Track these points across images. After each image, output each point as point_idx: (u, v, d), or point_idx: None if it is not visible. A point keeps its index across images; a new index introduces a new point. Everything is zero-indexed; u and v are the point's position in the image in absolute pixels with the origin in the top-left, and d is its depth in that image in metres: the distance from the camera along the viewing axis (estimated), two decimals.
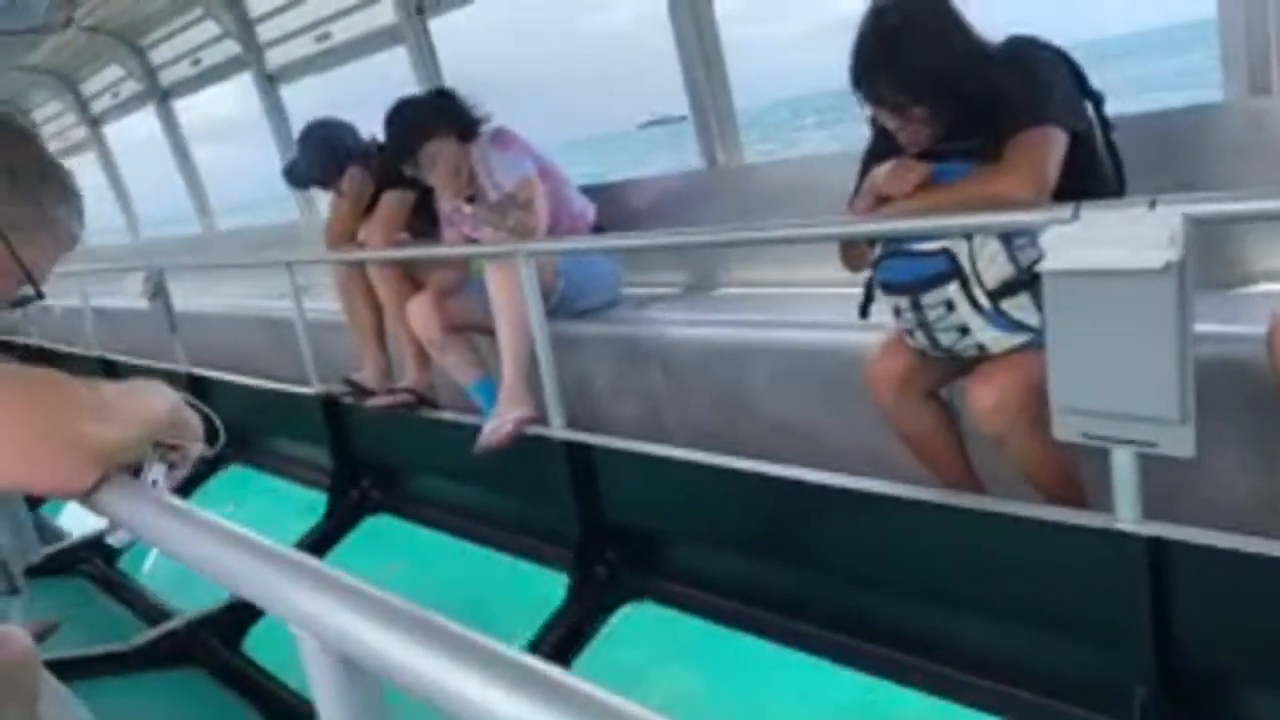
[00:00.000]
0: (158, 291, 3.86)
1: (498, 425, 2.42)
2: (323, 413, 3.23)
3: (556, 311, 2.67)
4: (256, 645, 2.89)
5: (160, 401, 0.91)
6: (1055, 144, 1.53)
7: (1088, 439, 1.46)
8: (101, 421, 0.80)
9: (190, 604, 3.09)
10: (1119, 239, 1.36)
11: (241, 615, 2.95)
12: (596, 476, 2.42)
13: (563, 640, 2.33)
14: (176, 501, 0.75)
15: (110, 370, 4.78)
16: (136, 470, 1.00)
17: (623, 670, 2.32)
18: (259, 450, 3.92)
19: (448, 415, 2.82)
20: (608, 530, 2.44)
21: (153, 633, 2.91)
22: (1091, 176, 1.64)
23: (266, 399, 3.56)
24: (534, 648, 2.33)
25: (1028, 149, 1.52)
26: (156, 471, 1.00)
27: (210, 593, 3.06)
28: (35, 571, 3.57)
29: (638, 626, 2.38)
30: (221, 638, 2.89)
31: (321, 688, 0.57)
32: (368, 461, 3.26)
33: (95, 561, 3.68)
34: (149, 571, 3.63)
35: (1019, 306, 1.58)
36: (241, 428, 3.98)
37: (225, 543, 0.62)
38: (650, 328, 2.64)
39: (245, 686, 2.70)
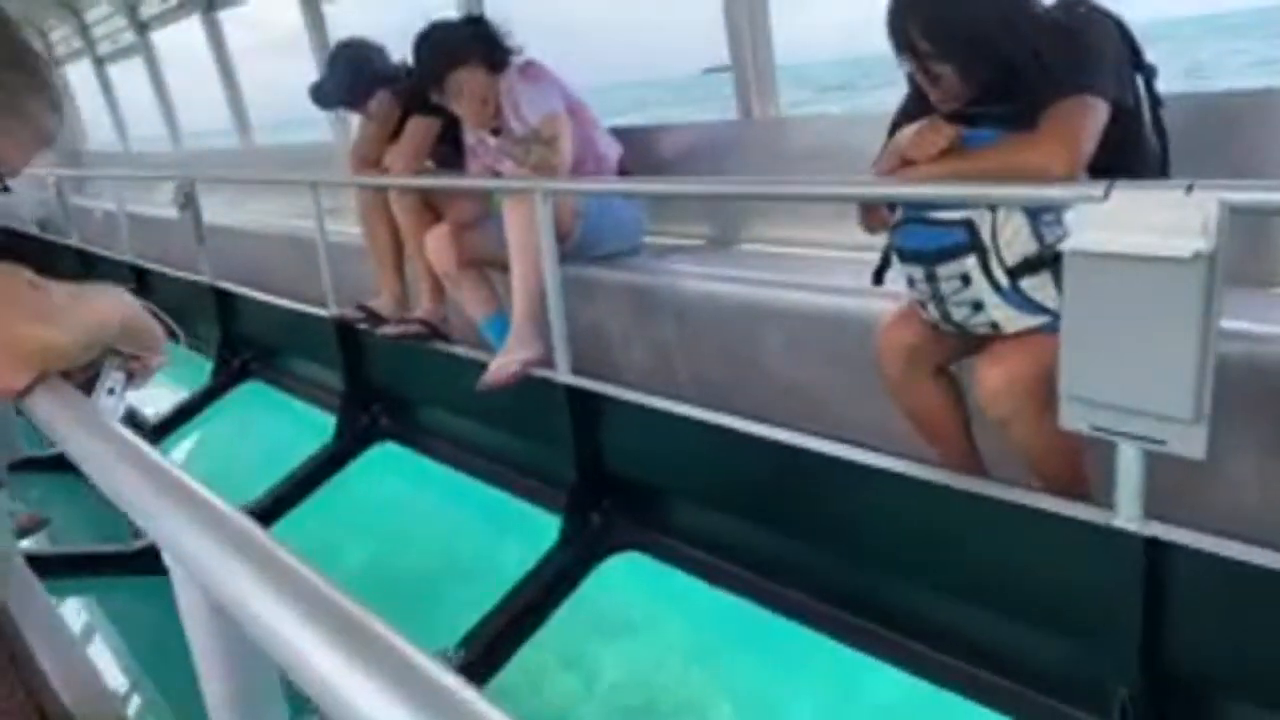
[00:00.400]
0: (187, 202, 3.87)
1: (503, 364, 2.40)
2: (337, 336, 3.23)
3: (574, 254, 2.62)
4: None
5: (113, 308, 0.88)
6: (1095, 115, 1.43)
7: (1095, 431, 1.40)
8: (41, 323, 0.77)
9: None
10: (1150, 223, 1.28)
11: None
12: (598, 424, 2.39)
13: (550, 583, 2.33)
14: (98, 416, 0.72)
15: (140, 278, 4.83)
16: (94, 377, 0.98)
17: (606, 617, 2.32)
18: (276, 368, 3.95)
19: (458, 350, 2.80)
20: (605, 478, 2.42)
21: (138, 541, 2.96)
22: (1133, 155, 1.55)
23: (285, 318, 3.57)
24: (521, 588, 2.34)
25: (1065, 119, 1.43)
26: (114, 380, 0.98)
27: (226, 500, 3.11)
28: (33, 466, 3.66)
29: (626, 576, 2.37)
30: None
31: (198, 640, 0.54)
32: (379, 388, 3.26)
33: None
34: None
35: (1038, 286, 1.50)
36: (260, 344, 4.02)
37: (123, 461, 0.59)
38: (668, 279, 2.59)
39: None
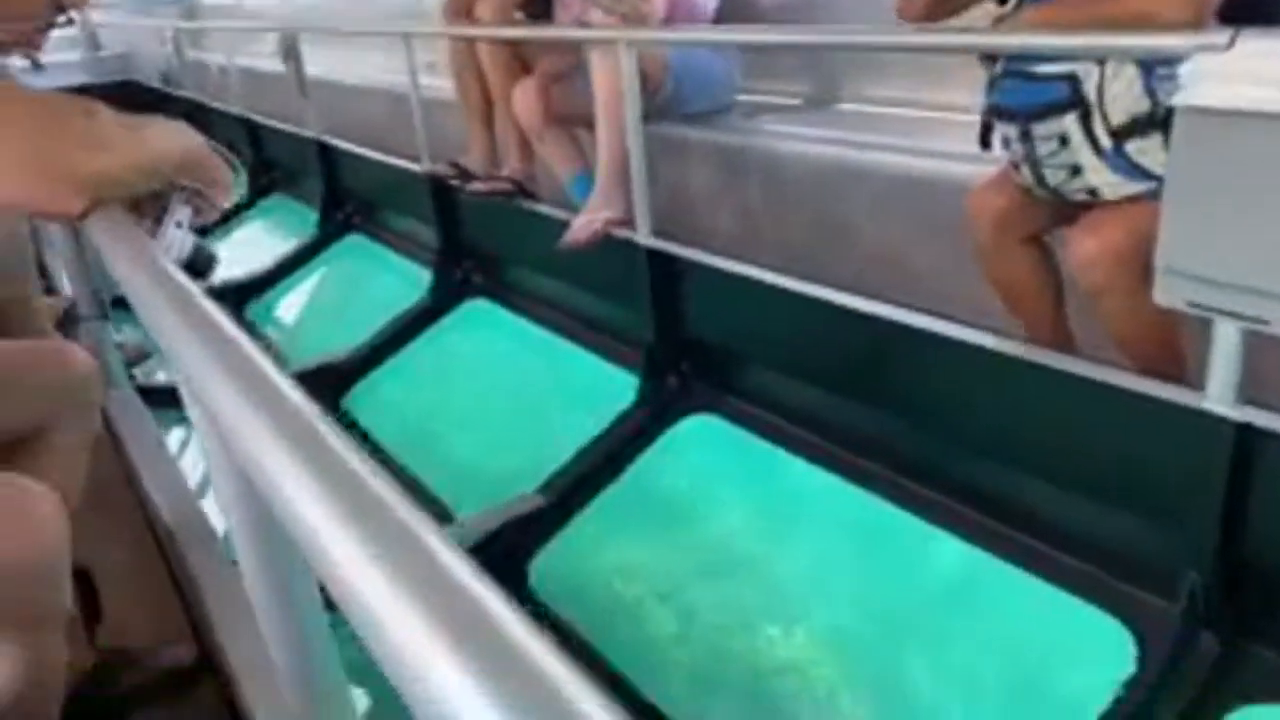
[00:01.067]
0: (289, 54, 3.90)
1: (585, 223, 2.39)
2: (431, 192, 3.26)
3: (663, 111, 2.54)
4: (355, 403, 3.10)
5: (172, 141, 0.90)
6: None
7: (1191, 308, 1.30)
8: (92, 151, 0.80)
9: (303, 357, 3.32)
10: (1277, 77, 1.15)
11: (343, 373, 3.16)
12: (678, 287, 2.37)
13: (624, 441, 2.39)
14: (145, 247, 0.74)
15: (251, 130, 4.96)
16: (164, 210, 1.02)
17: (678, 475, 2.36)
18: (377, 222, 4.04)
19: (545, 208, 2.79)
20: (683, 341, 2.43)
21: None
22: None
23: (384, 173, 3.63)
24: (598, 442, 2.40)
25: None
26: (180, 214, 1.02)
27: (325, 348, 3.28)
28: None
29: (701, 438, 2.40)
30: (322, 392, 3.10)
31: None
32: (472, 245, 3.31)
33: (226, 308, 3.96)
34: (273, 323, 3.89)
35: (1146, 150, 1.38)
36: (363, 198, 4.11)
37: (159, 296, 0.61)
38: (757, 139, 2.49)
39: None
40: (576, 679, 0.24)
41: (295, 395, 0.44)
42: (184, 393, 0.50)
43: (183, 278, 0.65)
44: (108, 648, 1.33)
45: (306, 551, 0.35)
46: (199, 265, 1.06)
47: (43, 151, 0.77)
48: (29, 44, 1.06)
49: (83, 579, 1.57)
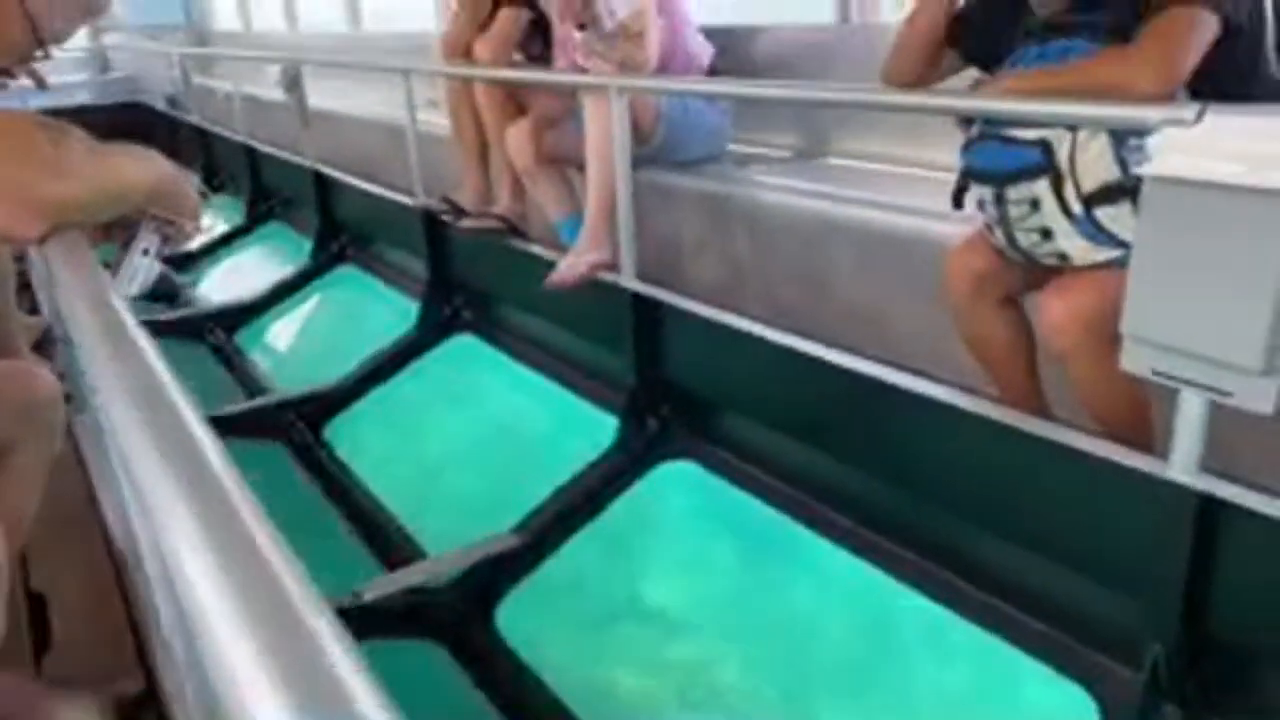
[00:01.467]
0: (293, 85, 3.95)
1: (572, 265, 2.40)
2: (424, 226, 3.29)
3: (655, 157, 2.57)
4: (336, 432, 3.09)
5: (140, 169, 0.91)
6: (1199, 30, 1.29)
7: (1155, 376, 1.31)
8: (56, 178, 0.81)
9: (290, 385, 3.32)
10: (1243, 152, 1.17)
11: (328, 401, 3.16)
12: (660, 332, 2.38)
13: (603, 481, 2.38)
14: (95, 271, 0.75)
15: (251, 157, 5.00)
16: (131, 235, 1.03)
17: (654, 520, 2.35)
18: (368, 253, 4.07)
19: (535, 247, 2.81)
20: (664, 386, 2.43)
21: (245, 404, 3.15)
22: (1249, 82, 1.40)
23: (377, 205, 3.66)
24: (576, 483, 2.39)
25: (1165, 32, 1.29)
26: (148, 241, 1.02)
27: (313, 377, 3.28)
28: (165, 330, 3.91)
29: (677, 483, 2.39)
30: (306, 419, 3.10)
31: None
32: (462, 280, 3.32)
33: (217, 331, 3.98)
34: (262, 350, 3.89)
35: (1115, 217, 1.39)
36: (356, 229, 4.13)
37: (97, 327, 0.61)
38: (745, 189, 2.51)
39: (318, 469, 2.90)
40: None
41: (208, 445, 0.45)
42: (103, 421, 0.50)
43: (124, 311, 0.65)
44: (54, 677, 1.32)
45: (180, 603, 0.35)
46: (162, 293, 1.07)
47: (3, 175, 0.78)
48: (11, 75, 1.08)
49: (37, 605, 1.55)
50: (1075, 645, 1.57)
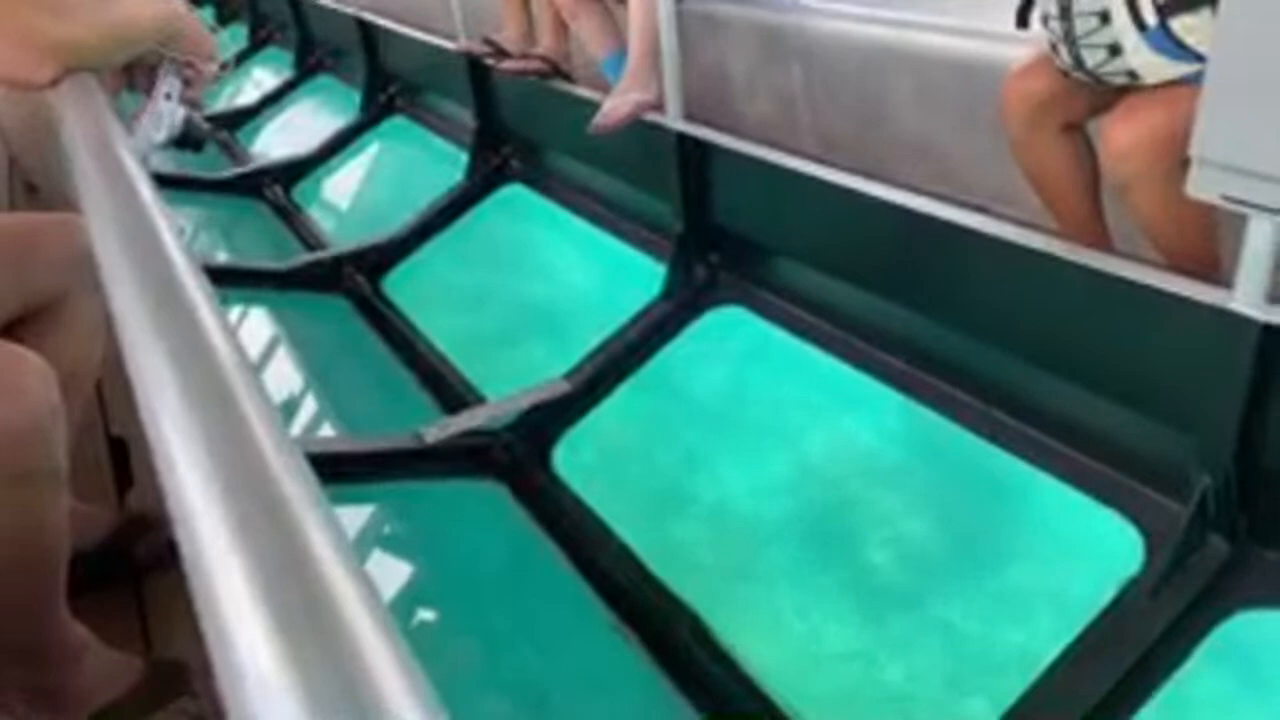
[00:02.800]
0: None
1: (616, 105, 2.33)
2: (469, 72, 3.20)
3: None
4: (394, 284, 3.14)
5: (148, 8, 0.89)
6: None
7: (1225, 201, 1.23)
8: (58, 17, 0.79)
9: (347, 238, 3.37)
10: None
11: (384, 254, 3.20)
12: (708, 174, 2.32)
13: (650, 329, 2.39)
14: (106, 118, 0.74)
15: (296, 7, 4.89)
16: (153, 80, 1.02)
17: (702, 366, 2.37)
18: (416, 103, 4.01)
19: (579, 89, 2.73)
20: (713, 231, 2.38)
21: (306, 258, 3.21)
22: None
23: (422, 51, 3.57)
24: (625, 330, 2.41)
25: None
26: (170, 85, 1.01)
27: (368, 229, 3.32)
28: (223, 188, 3.97)
29: (727, 329, 2.39)
30: (365, 273, 3.15)
31: None
32: (509, 128, 3.26)
33: (274, 188, 4.02)
34: (319, 204, 3.93)
35: (1194, 28, 1.28)
36: (404, 78, 4.06)
37: (103, 175, 0.61)
38: (797, 17, 2.37)
39: (379, 320, 2.97)
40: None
41: (202, 301, 0.44)
42: (104, 276, 0.50)
43: (131, 162, 0.65)
44: (135, 512, 1.42)
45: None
46: (191, 139, 1.06)
47: (6, 18, 0.76)
48: None
49: (118, 447, 1.66)
50: (1124, 479, 1.56)
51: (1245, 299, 1.29)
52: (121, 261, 0.51)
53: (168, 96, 1.01)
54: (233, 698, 0.25)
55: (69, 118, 0.77)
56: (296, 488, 0.32)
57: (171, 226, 0.54)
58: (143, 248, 0.52)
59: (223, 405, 0.37)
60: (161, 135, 1.02)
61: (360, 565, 0.30)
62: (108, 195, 0.60)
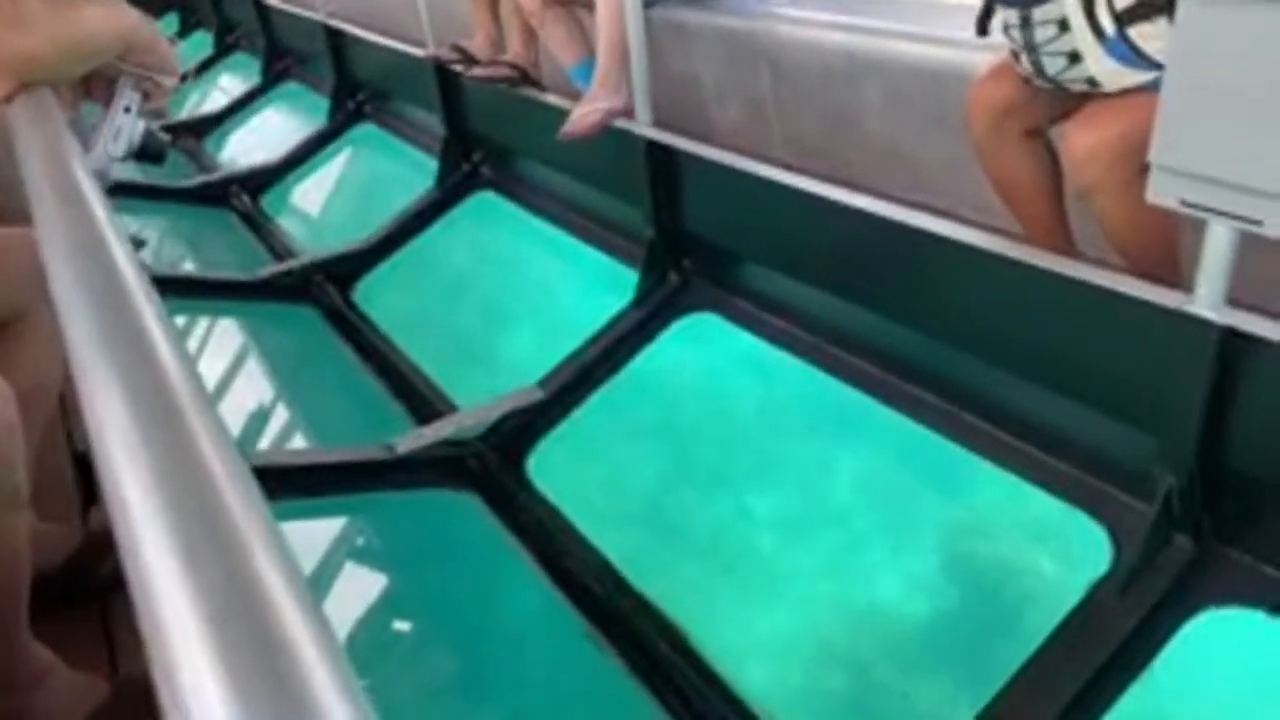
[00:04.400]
0: None
1: (585, 113, 2.33)
2: (438, 79, 3.19)
3: None
4: (365, 294, 3.12)
5: (104, 20, 0.88)
6: None
7: (1183, 206, 1.25)
8: (14, 30, 0.78)
9: (316, 247, 3.34)
10: None
11: (355, 263, 3.18)
12: (678, 181, 2.32)
13: (623, 336, 2.39)
14: (60, 132, 0.73)
15: (263, 13, 4.85)
16: (112, 93, 1.01)
17: (675, 372, 2.37)
18: (385, 110, 3.98)
19: (549, 97, 2.72)
20: (684, 237, 2.39)
21: (274, 267, 3.18)
22: None
23: (391, 58, 3.55)
24: (597, 338, 2.41)
25: None
26: (128, 98, 1.00)
27: (337, 238, 3.30)
28: (190, 196, 3.92)
29: (700, 336, 2.39)
30: (334, 282, 3.13)
31: None
32: (478, 135, 3.25)
33: (242, 196, 3.98)
34: (287, 212, 3.90)
35: (1151, 36, 1.30)
36: (371, 85, 4.03)
37: (54, 191, 0.60)
38: (766, 24, 2.39)
39: (349, 329, 2.95)
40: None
41: (152, 318, 0.44)
42: (52, 292, 0.49)
43: (84, 177, 0.64)
44: (99, 529, 1.39)
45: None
46: (150, 151, 1.05)
47: None
48: None
49: (82, 463, 1.63)
50: (1090, 480, 1.58)
51: (1204, 302, 1.31)
52: (71, 277, 0.50)
53: (126, 109, 1.00)
54: (172, 712, 0.25)
55: (23, 132, 0.76)
56: (243, 507, 0.32)
57: (124, 242, 0.54)
58: (93, 263, 0.51)
59: (170, 423, 0.36)
60: (120, 149, 1.01)
61: (305, 584, 0.29)
62: (59, 210, 0.59)
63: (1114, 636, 1.40)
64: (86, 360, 0.41)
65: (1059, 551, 1.61)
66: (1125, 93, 1.35)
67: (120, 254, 0.51)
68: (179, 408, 0.37)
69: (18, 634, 1.03)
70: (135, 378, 0.39)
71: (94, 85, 0.98)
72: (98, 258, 0.50)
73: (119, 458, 0.34)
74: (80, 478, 1.61)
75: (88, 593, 1.31)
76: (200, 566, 0.29)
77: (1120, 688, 1.37)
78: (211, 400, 0.39)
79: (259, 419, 2.53)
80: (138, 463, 0.34)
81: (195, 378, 0.40)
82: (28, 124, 0.76)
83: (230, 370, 2.81)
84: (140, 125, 1.01)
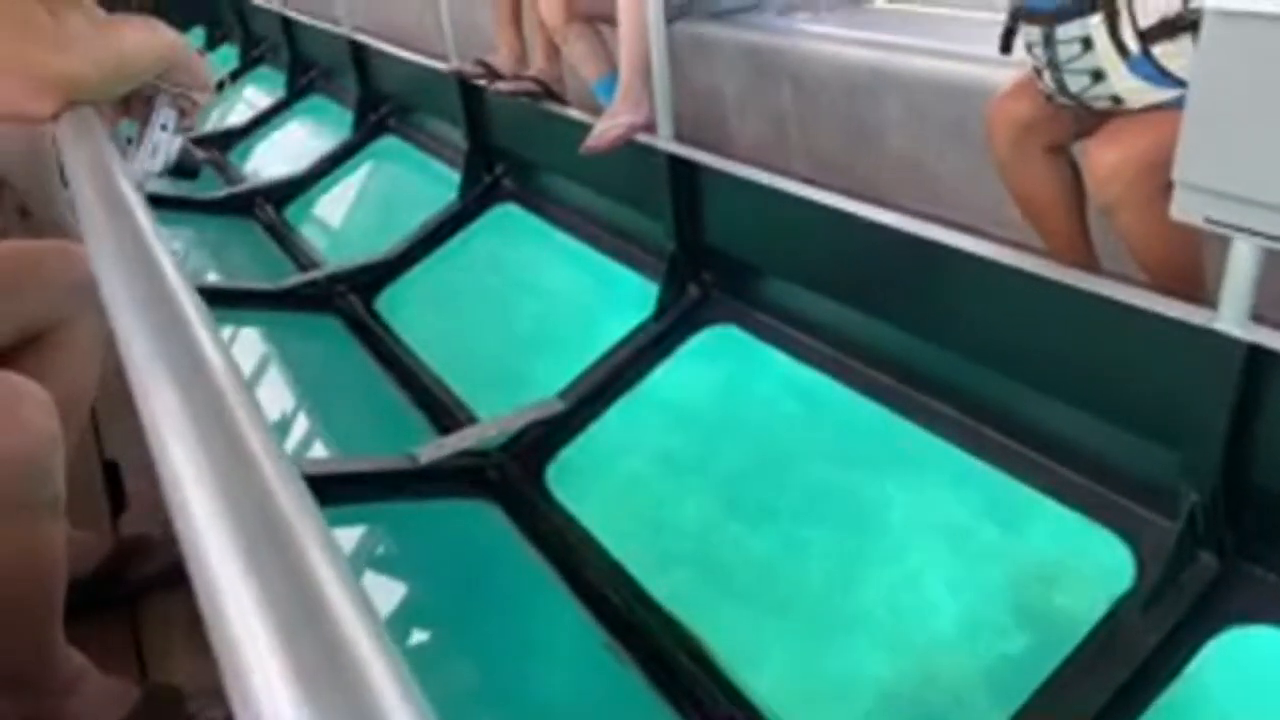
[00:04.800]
0: None
1: (608, 127, 2.35)
2: (461, 93, 3.23)
3: (691, 8, 2.47)
4: (387, 304, 3.15)
5: (145, 40, 0.90)
6: None
7: (1208, 224, 1.25)
8: (60, 52, 0.80)
9: (339, 258, 3.38)
10: None
11: (377, 274, 3.21)
12: (700, 195, 2.34)
13: (643, 348, 2.40)
14: (105, 149, 0.75)
15: (288, 27, 4.91)
16: (150, 111, 1.03)
17: (695, 385, 2.38)
18: (408, 123, 4.03)
19: (572, 111, 2.75)
20: (705, 251, 2.40)
21: (298, 278, 3.22)
22: None
23: (414, 72, 3.59)
24: (617, 350, 2.42)
25: None
26: (165, 116, 1.03)
27: (360, 249, 3.33)
28: (215, 208, 3.98)
29: (720, 349, 2.40)
30: (357, 292, 3.16)
31: None
32: (501, 148, 3.28)
33: (266, 207, 4.03)
34: (311, 223, 3.94)
35: (1175, 54, 1.30)
36: (396, 99, 4.08)
37: (104, 208, 0.62)
38: (788, 39, 2.40)
39: (371, 339, 2.98)
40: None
41: (201, 325, 0.45)
42: (106, 302, 0.51)
43: (130, 192, 0.66)
44: (129, 536, 1.42)
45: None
46: (186, 167, 1.08)
47: (5, 50, 0.77)
48: None
49: (111, 471, 1.66)
50: (1114, 497, 1.58)
51: (1229, 319, 1.31)
52: (122, 287, 0.52)
53: (163, 127, 1.02)
54: (243, 713, 0.26)
55: (69, 149, 0.78)
56: (297, 508, 0.33)
57: (169, 252, 0.55)
58: (143, 274, 0.53)
59: (224, 427, 0.38)
60: (158, 165, 1.03)
61: (360, 587, 0.31)
62: (108, 224, 0.61)
63: (1137, 654, 1.39)
64: (142, 366, 0.43)
65: (1082, 567, 1.60)
66: (1149, 110, 1.35)
67: (167, 263, 0.53)
68: (232, 412, 0.38)
69: (53, 640, 1.05)
70: (190, 383, 0.41)
71: (134, 102, 1.01)
72: (146, 267, 0.52)
73: (180, 460, 0.36)
74: (109, 485, 1.63)
75: (118, 599, 1.34)
76: (262, 568, 0.30)
77: (1143, 706, 1.37)
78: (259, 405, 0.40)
79: (282, 427, 2.56)
80: (198, 465, 0.35)
81: (244, 384, 0.42)
82: (73, 141, 0.78)
83: (253, 378, 2.84)
84: (177, 142, 1.03)
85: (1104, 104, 1.39)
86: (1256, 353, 1.30)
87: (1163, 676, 1.37)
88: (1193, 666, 1.38)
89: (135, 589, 1.34)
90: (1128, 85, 1.35)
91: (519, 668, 1.82)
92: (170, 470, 0.36)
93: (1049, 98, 1.48)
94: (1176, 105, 1.31)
